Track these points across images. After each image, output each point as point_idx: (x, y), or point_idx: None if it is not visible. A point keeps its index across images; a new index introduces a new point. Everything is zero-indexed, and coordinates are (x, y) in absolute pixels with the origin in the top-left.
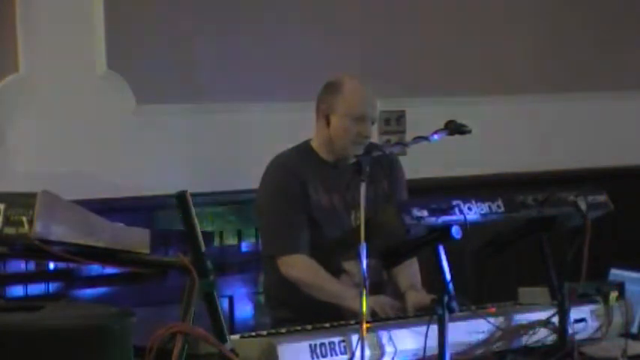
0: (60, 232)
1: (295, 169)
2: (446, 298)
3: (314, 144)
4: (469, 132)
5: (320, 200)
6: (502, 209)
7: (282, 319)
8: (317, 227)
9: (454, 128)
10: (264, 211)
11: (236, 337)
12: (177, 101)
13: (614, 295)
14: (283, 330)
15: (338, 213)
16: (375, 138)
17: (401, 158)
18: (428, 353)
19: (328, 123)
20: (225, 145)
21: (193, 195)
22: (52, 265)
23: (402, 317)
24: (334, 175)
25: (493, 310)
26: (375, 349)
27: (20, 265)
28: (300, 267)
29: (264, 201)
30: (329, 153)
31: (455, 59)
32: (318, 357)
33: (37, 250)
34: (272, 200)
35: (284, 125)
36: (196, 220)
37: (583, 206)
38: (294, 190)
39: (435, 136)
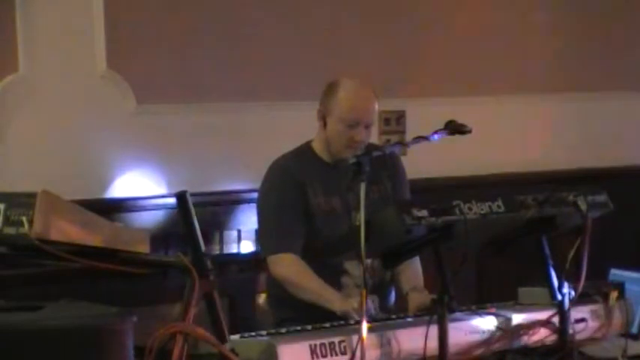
0: (60, 232)
1: (294, 172)
2: (446, 298)
3: (315, 145)
4: (469, 132)
5: (319, 203)
6: (502, 209)
7: (284, 318)
8: (317, 229)
9: (454, 128)
10: (260, 214)
11: (236, 337)
12: (177, 101)
13: (614, 295)
14: (283, 330)
15: (338, 215)
16: (375, 138)
17: (401, 158)
18: (428, 353)
19: (325, 125)
20: (225, 145)
21: (193, 195)
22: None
23: (402, 317)
24: (334, 176)
25: (493, 310)
26: (375, 349)
27: (20, 265)
28: (286, 266)
29: (260, 203)
30: (328, 154)
31: (455, 59)
32: (318, 357)
33: (37, 250)
34: (267, 203)
35: (284, 125)
36: (196, 220)
37: (583, 206)
38: (291, 194)
39: (435, 136)
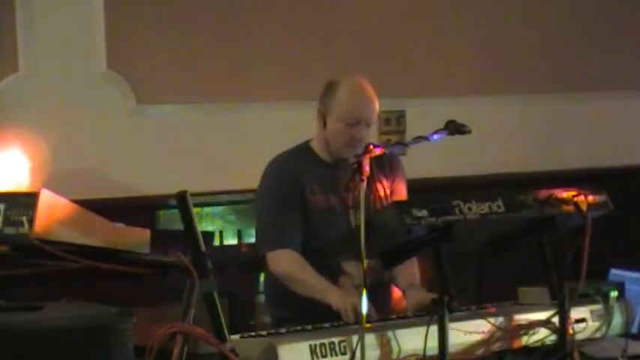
0: (60, 232)
1: (291, 170)
2: (446, 298)
3: (314, 144)
4: (469, 132)
5: (317, 201)
6: (502, 209)
7: (282, 318)
8: (315, 228)
9: (454, 128)
10: (258, 212)
11: (236, 337)
12: (177, 101)
13: (614, 295)
14: (283, 330)
15: (336, 214)
16: (375, 138)
17: (401, 158)
18: (428, 353)
19: (325, 124)
20: (225, 145)
21: (193, 195)
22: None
23: (402, 317)
24: (333, 175)
25: (493, 310)
26: (375, 349)
27: (20, 265)
28: (284, 261)
29: (258, 202)
30: (327, 154)
31: (455, 59)
32: (318, 357)
33: (37, 250)
34: (265, 201)
35: (284, 125)
36: (196, 220)
37: (583, 206)
38: (288, 192)
39: (435, 136)
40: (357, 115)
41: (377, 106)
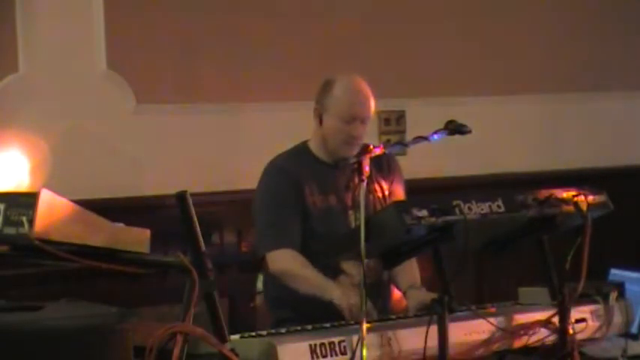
0: (60, 232)
1: (289, 171)
2: (446, 298)
3: (311, 144)
4: (469, 132)
5: (315, 201)
6: (502, 209)
7: (282, 318)
8: (314, 229)
9: (454, 128)
10: (257, 213)
11: (236, 337)
12: (177, 101)
13: (614, 295)
14: (283, 330)
15: (335, 214)
16: (375, 138)
17: (401, 158)
18: (428, 353)
19: (322, 122)
20: (224, 145)
21: (193, 195)
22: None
23: (402, 317)
24: (331, 175)
25: (493, 310)
26: (375, 349)
27: (20, 265)
28: (284, 260)
29: (257, 203)
30: (325, 153)
31: (455, 59)
32: (318, 357)
33: (37, 250)
34: (264, 202)
35: (283, 125)
36: (196, 220)
37: (583, 206)
38: (286, 192)
39: (435, 136)
40: (353, 112)
41: (373, 102)
